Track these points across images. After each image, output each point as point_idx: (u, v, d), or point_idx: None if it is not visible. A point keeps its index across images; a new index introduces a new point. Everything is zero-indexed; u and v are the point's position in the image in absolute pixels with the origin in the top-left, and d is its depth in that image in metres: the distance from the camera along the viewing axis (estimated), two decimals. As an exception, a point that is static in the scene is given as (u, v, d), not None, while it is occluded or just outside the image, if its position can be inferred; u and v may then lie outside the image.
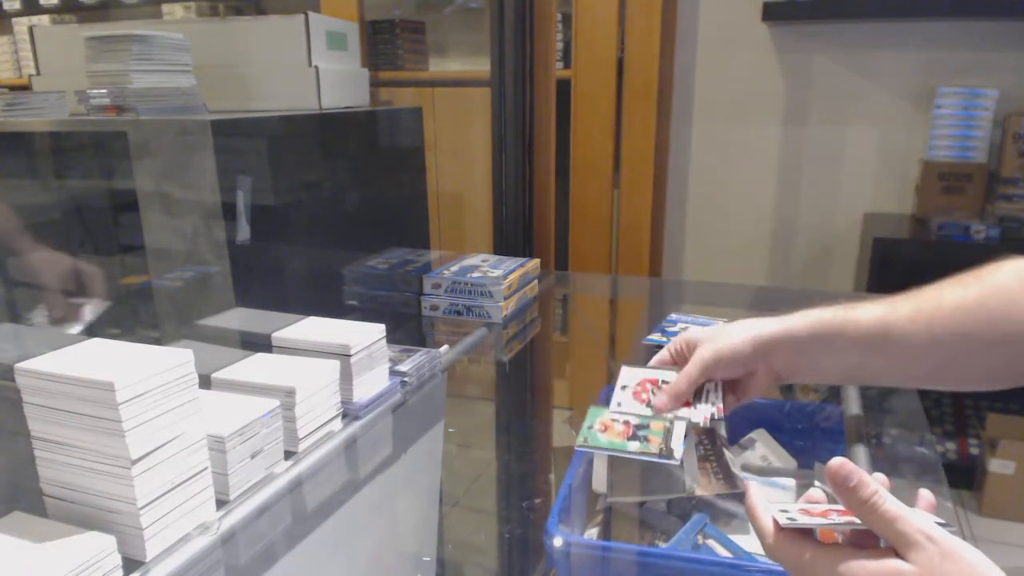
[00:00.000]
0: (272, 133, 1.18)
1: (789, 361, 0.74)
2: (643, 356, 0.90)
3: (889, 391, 1.09)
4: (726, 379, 0.78)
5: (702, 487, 0.79)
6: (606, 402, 0.95)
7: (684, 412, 0.76)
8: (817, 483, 0.85)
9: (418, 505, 0.95)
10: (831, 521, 0.50)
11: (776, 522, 0.52)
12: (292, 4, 2.52)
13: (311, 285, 1.29)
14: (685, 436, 0.82)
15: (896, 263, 1.90)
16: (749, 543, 0.74)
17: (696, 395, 0.77)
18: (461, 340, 1.24)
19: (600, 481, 0.77)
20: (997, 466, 1.98)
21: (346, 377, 0.87)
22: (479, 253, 1.54)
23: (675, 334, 1.17)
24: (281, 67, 1.32)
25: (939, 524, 0.47)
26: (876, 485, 0.48)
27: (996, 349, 0.66)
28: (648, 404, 0.79)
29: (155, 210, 1.06)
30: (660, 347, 1.14)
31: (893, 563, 0.46)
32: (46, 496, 0.63)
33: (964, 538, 0.46)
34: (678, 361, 0.81)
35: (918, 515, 0.47)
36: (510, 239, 1.75)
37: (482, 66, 1.91)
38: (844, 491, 0.49)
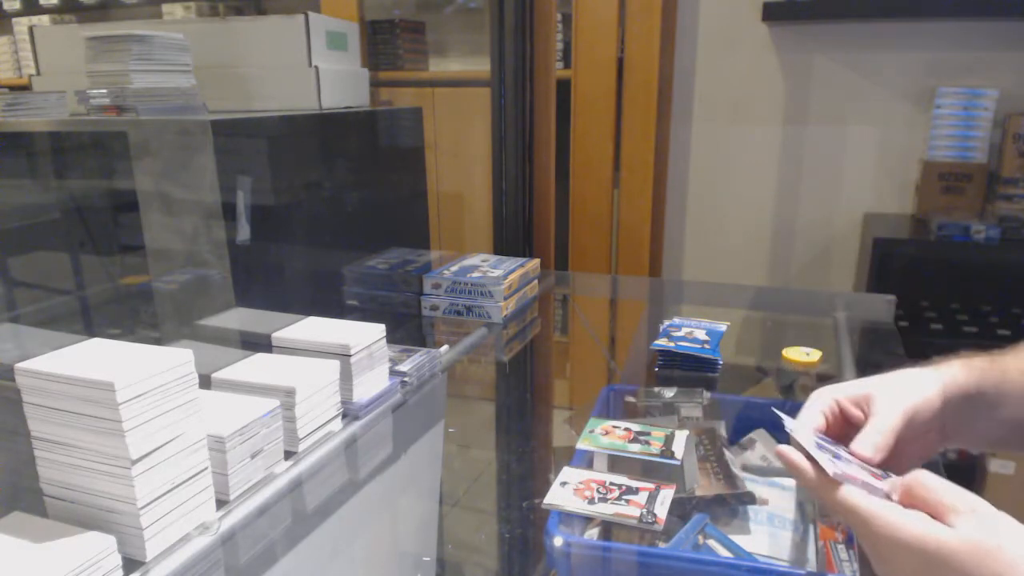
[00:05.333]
0: (272, 133, 1.18)
1: (960, 419, 0.62)
2: (646, 359, 0.89)
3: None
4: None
5: (702, 487, 0.79)
6: (604, 405, 0.95)
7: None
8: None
9: (418, 505, 0.95)
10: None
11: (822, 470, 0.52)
12: (292, 4, 2.51)
13: (311, 285, 1.29)
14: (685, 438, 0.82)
15: (896, 263, 1.90)
16: (749, 543, 0.74)
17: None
18: (461, 340, 1.24)
19: None
20: (997, 466, 1.98)
21: (346, 377, 0.87)
22: (479, 253, 1.54)
23: (681, 338, 1.17)
24: (281, 67, 1.32)
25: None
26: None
27: None
28: (591, 501, 0.73)
29: (155, 210, 1.06)
30: (667, 352, 1.14)
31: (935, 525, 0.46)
32: (46, 496, 0.63)
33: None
34: (833, 423, 0.63)
35: (956, 488, 0.48)
36: (510, 239, 1.75)
37: (482, 66, 1.91)
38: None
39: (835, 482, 0.51)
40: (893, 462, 0.60)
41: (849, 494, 0.49)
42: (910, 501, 0.49)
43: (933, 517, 0.47)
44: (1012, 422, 0.63)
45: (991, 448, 0.69)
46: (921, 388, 0.61)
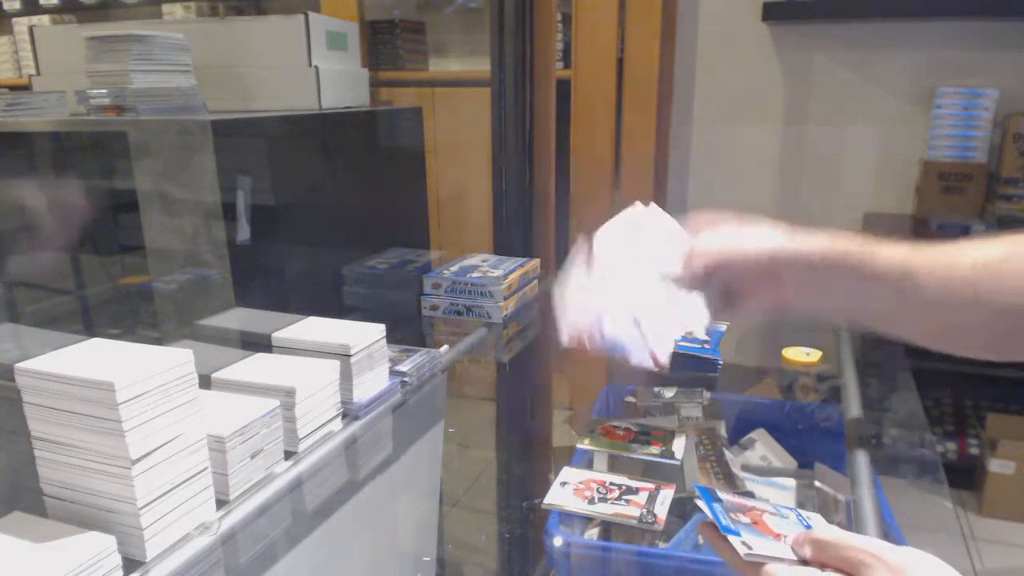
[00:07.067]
0: (272, 133, 1.18)
1: (798, 286, 0.69)
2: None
3: (890, 390, 1.09)
4: (726, 287, 0.72)
5: (702, 487, 0.79)
6: (604, 405, 0.95)
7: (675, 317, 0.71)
8: (817, 483, 0.85)
9: (418, 505, 0.95)
10: (784, 554, 0.51)
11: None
12: (292, 4, 2.52)
13: (311, 285, 1.29)
14: (686, 436, 0.82)
15: (896, 263, 1.90)
16: (749, 543, 0.74)
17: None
18: (461, 340, 1.24)
19: None
20: (997, 466, 1.98)
21: (346, 377, 0.87)
22: (479, 253, 1.54)
23: (681, 338, 1.17)
24: (281, 67, 1.32)
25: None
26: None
27: (1005, 315, 0.61)
28: (591, 501, 0.74)
29: (155, 210, 1.06)
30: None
31: None
32: (46, 496, 0.63)
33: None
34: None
35: (865, 539, 0.49)
36: (510, 239, 1.75)
37: (482, 66, 1.91)
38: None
39: (755, 563, 0.51)
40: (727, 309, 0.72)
41: (772, 570, 0.50)
42: (823, 559, 0.50)
43: (849, 573, 0.48)
44: (858, 302, 0.68)
45: (841, 320, 0.83)
46: (745, 244, 0.69)
